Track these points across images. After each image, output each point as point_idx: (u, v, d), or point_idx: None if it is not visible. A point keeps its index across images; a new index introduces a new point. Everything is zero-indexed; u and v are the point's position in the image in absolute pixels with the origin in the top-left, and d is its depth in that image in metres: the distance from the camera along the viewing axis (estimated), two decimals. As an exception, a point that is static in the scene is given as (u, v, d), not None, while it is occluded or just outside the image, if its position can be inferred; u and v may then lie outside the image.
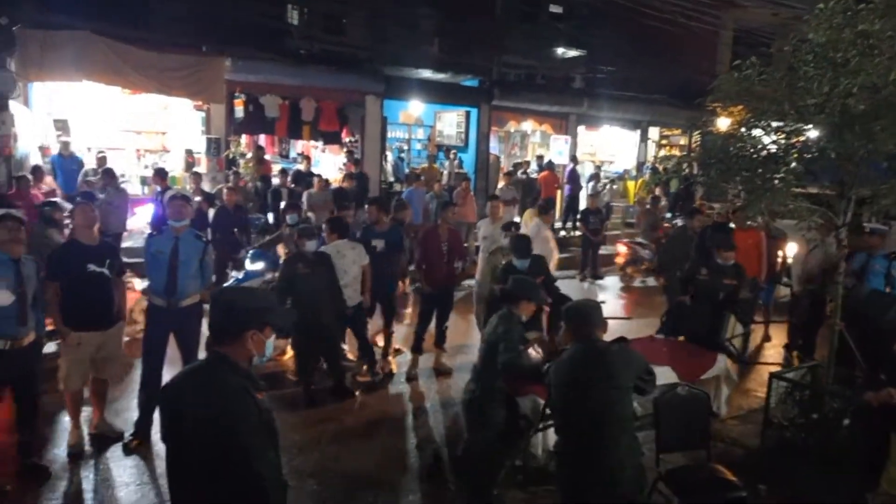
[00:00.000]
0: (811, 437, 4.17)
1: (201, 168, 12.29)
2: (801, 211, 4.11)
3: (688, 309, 6.32)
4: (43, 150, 11.21)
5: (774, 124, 4.28)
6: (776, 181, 3.78)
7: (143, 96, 12.01)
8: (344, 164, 14.09)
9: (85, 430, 5.44)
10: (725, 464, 5.24)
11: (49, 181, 10.14)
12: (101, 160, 10.53)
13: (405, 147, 17.31)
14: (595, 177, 16.97)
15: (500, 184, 14.30)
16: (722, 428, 5.91)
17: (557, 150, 17.94)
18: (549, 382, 3.48)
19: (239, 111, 12.81)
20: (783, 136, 4.16)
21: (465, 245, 13.16)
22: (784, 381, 4.52)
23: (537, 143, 19.13)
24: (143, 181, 12.20)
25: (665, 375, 5.79)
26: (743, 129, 4.27)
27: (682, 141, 20.25)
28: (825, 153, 3.97)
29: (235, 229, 9.52)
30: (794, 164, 3.78)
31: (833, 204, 4.24)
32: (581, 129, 18.10)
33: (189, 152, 12.62)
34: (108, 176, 9.72)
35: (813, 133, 4.09)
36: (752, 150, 3.90)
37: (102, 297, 5.15)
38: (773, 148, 3.98)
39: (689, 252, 7.65)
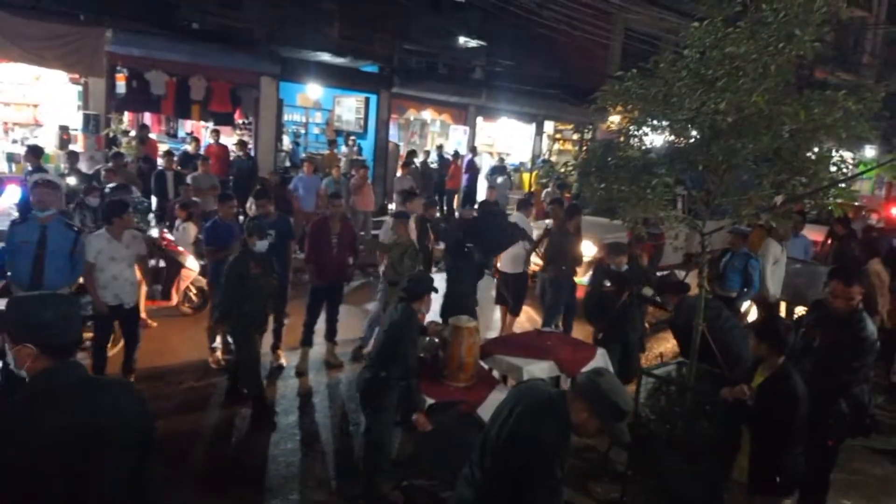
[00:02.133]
0: (675, 430, 4.46)
1: (78, 146, 11.47)
2: (671, 219, 4.37)
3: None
4: None
5: (649, 136, 4.52)
6: (648, 191, 3.99)
7: (13, 65, 11.04)
8: (234, 147, 13.55)
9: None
10: (596, 454, 5.65)
11: None
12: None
13: (302, 131, 16.92)
14: (501, 169, 17.16)
15: (399, 173, 14.28)
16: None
17: (456, 140, 18.13)
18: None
19: (121, 86, 12.03)
20: (657, 145, 4.40)
21: (362, 233, 13.13)
22: (652, 377, 4.81)
23: (437, 132, 19.25)
24: (10, 157, 11.24)
25: (548, 369, 6.06)
26: (621, 139, 4.47)
27: (575, 136, 21.00)
28: (694, 164, 4.24)
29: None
30: (664, 174, 4.00)
31: (699, 212, 4.53)
32: (479, 120, 18.36)
33: (64, 129, 11.73)
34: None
35: (682, 144, 4.35)
36: (627, 161, 4.09)
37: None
38: (648, 157, 4.19)
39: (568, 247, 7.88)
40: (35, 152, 9.42)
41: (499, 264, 8.32)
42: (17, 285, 5.27)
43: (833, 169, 4.21)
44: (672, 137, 4.40)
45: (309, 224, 7.49)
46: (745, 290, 7.52)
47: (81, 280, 5.69)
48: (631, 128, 4.66)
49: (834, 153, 4.29)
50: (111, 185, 8.99)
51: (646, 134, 4.56)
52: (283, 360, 7.11)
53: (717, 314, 5.19)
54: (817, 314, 4.70)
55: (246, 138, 14.37)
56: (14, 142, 11.88)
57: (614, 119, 4.99)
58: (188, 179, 10.41)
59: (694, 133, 4.26)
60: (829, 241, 10.46)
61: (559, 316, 8.00)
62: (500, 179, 16.18)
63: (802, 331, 4.61)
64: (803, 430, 3.81)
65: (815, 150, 4.19)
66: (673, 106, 4.21)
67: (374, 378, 4.56)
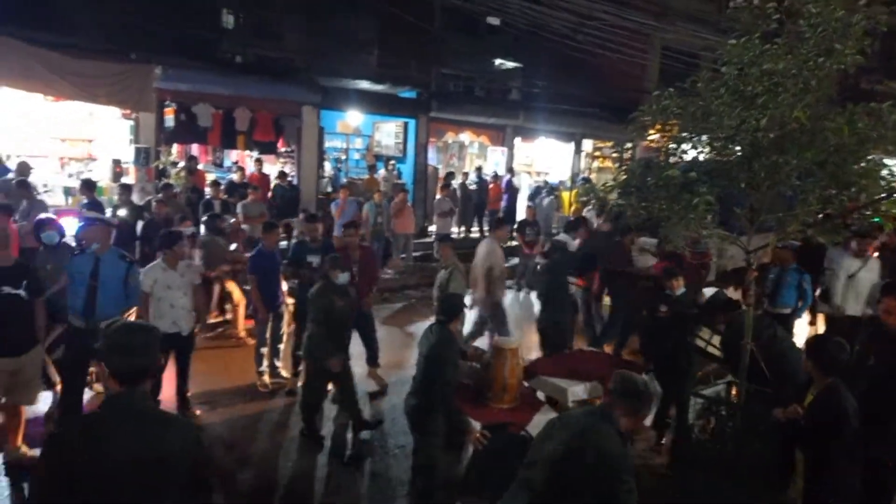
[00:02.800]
0: (725, 451, 4.36)
1: (129, 178, 11.90)
2: (714, 237, 4.32)
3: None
4: (-42, 158, 10.67)
5: (688, 154, 4.50)
6: (690, 213, 3.96)
7: (68, 103, 11.56)
8: (275, 178, 13.88)
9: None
10: (646, 478, 5.55)
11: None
12: (23, 167, 10.02)
13: (343, 157, 17.22)
14: (548, 189, 17.08)
15: (438, 195, 14.39)
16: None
17: (495, 161, 18.21)
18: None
19: (170, 120, 12.47)
20: (697, 162, 4.38)
21: (403, 257, 13.25)
22: (701, 397, 4.72)
23: (475, 153, 19.37)
24: (67, 191, 11.71)
25: (592, 390, 6.00)
26: (661, 158, 4.45)
27: (614, 154, 20.84)
28: (736, 182, 4.19)
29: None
30: (705, 193, 3.96)
31: (745, 230, 4.47)
32: (517, 140, 18.42)
33: (117, 162, 12.18)
34: (22, 187, 9.26)
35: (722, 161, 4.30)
36: (667, 180, 4.07)
37: (16, 321, 4.95)
38: (688, 176, 4.16)
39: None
40: (89, 186, 9.80)
41: None
42: (73, 314, 5.49)
43: (882, 182, 4.11)
44: (712, 155, 4.36)
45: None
46: (800, 305, 7.35)
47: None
48: (670, 146, 4.65)
49: (883, 165, 4.19)
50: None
51: (685, 152, 4.53)
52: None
53: (771, 333, 5.07)
54: (871, 331, 4.57)
55: (288, 167, 14.69)
56: (70, 176, 12.37)
57: (654, 136, 4.97)
58: (238, 207, 10.69)
59: (736, 150, 4.21)
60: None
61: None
62: (546, 200, 16.14)
63: (857, 349, 4.48)
64: (856, 449, 3.69)
65: (863, 164, 4.09)
66: (712, 124, 4.18)
67: (420, 402, 4.59)
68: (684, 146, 4.57)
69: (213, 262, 8.51)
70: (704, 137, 4.41)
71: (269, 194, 11.51)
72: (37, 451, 5.34)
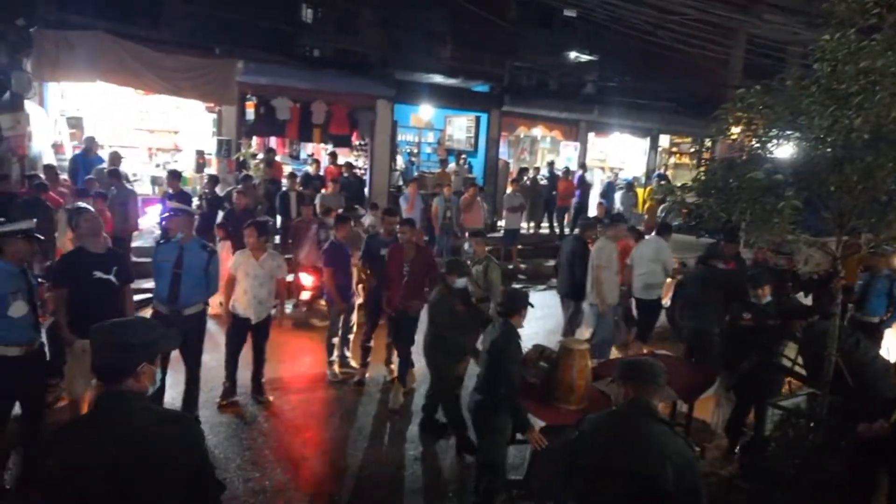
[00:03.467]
0: (802, 466, 4.18)
1: (212, 169, 12.39)
2: (800, 242, 4.13)
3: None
4: (56, 147, 11.35)
5: (773, 154, 4.31)
6: (775, 216, 3.79)
7: (156, 96, 12.12)
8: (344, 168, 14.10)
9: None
10: (717, 486, 5.39)
11: (64, 181, 10.22)
12: (114, 157, 10.58)
13: (415, 151, 17.37)
14: (626, 185, 16.75)
15: (508, 189, 14.32)
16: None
17: (567, 156, 17.96)
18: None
19: (250, 113, 12.91)
20: (784, 165, 4.18)
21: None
22: (779, 409, 4.54)
23: (547, 148, 19.17)
24: (154, 181, 12.29)
25: (663, 394, 5.86)
26: (743, 158, 4.29)
27: (693, 150, 20.22)
28: (825, 185, 3.99)
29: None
30: (792, 196, 3.79)
31: (831, 233, 4.26)
32: (591, 135, 18.10)
33: (200, 153, 12.72)
34: (113, 177, 9.78)
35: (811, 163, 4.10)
36: (751, 182, 3.91)
37: (107, 305, 5.20)
38: (773, 178, 3.99)
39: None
40: (175, 176, 10.27)
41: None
42: (157, 301, 5.76)
43: None
44: (799, 156, 4.15)
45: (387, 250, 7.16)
46: (890, 314, 6.97)
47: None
48: (754, 145, 4.46)
49: None
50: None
51: (770, 153, 4.34)
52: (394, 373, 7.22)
53: (855, 343, 4.81)
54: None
55: (361, 160, 14.93)
56: (157, 166, 13.00)
57: (736, 133, 4.78)
58: (318, 199, 10.97)
59: (826, 151, 4.00)
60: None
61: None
62: (618, 194, 15.83)
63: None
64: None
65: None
66: (801, 123, 3.99)
67: (484, 398, 4.59)
68: (770, 146, 4.37)
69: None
70: (792, 141, 4.21)
71: (330, 189, 11.69)
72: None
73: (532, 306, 4.90)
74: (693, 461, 2.83)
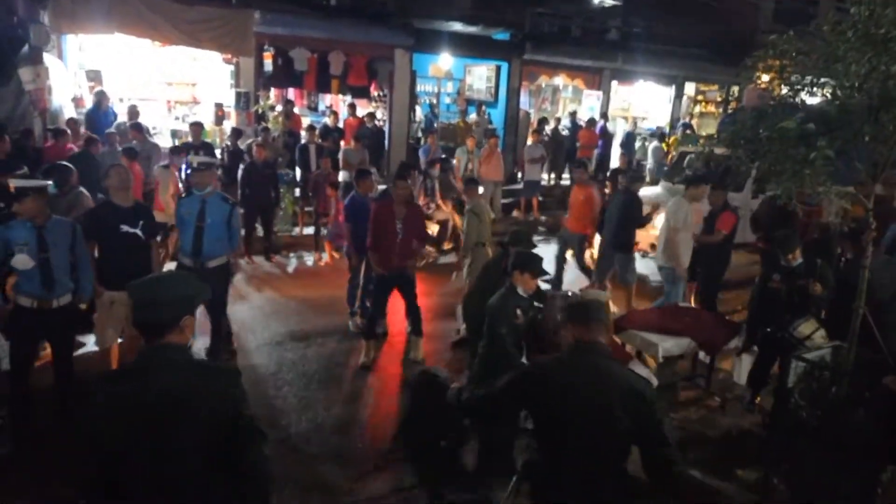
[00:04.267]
0: (827, 418, 4.18)
1: (231, 122, 12.35)
2: (831, 193, 4.03)
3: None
4: (76, 101, 11.36)
5: (808, 101, 4.17)
6: (806, 168, 3.69)
7: (173, 48, 12.03)
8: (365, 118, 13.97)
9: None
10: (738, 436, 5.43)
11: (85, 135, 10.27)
12: (133, 111, 10.60)
13: (434, 101, 17.13)
14: (655, 134, 16.36)
15: (529, 141, 14.12)
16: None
17: (589, 105, 17.62)
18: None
19: (268, 64, 12.76)
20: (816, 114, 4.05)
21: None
22: (804, 361, 4.51)
23: (569, 98, 18.79)
24: (174, 133, 12.29)
25: (685, 346, 5.86)
26: (771, 105, 4.15)
27: (719, 97, 19.72)
28: (860, 135, 3.86)
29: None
30: (825, 146, 3.67)
31: (864, 183, 4.16)
32: (614, 84, 17.69)
33: (219, 106, 12.66)
34: (137, 130, 9.79)
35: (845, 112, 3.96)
36: (782, 132, 3.79)
37: (135, 258, 5.29)
38: (805, 128, 3.86)
39: None
40: (198, 127, 10.27)
41: None
42: (182, 254, 5.82)
43: None
44: (834, 105, 4.01)
45: (372, 208, 6.85)
46: None
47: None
48: (785, 93, 4.33)
49: None
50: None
51: (803, 101, 4.21)
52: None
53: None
54: None
55: (380, 112, 14.77)
56: (176, 119, 12.98)
57: (765, 80, 4.62)
58: (340, 153, 10.94)
59: (862, 99, 3.86)
60: None
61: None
62: (652, 146, 15.56)
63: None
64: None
65: None
66: (836, 70, 3.85)
67: (482, 354, 4.50)
68: (802, 94, 4.23)
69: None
70: (827, 89, 4.06)
71: (354, 145, 11.60)
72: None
73: (546, 273, 4.76)
74: (648, 395, 2.78)
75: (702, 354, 6.20)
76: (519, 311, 4.49)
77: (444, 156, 11.47)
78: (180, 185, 8.62)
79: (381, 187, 9.66)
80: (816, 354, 4.67)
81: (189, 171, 6.03)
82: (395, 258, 6.46)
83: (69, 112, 10.82)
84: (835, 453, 3.98)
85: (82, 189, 6.40)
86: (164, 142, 11.98)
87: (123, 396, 2.30)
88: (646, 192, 10.97)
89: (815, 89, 4.15)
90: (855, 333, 4.32)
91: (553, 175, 15.81)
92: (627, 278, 7.99)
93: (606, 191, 9.43)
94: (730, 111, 16.88)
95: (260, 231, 9.91)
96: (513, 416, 3.48)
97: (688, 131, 16.96)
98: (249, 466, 2.39)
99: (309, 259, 10.03)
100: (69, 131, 9.35)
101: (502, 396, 3.00)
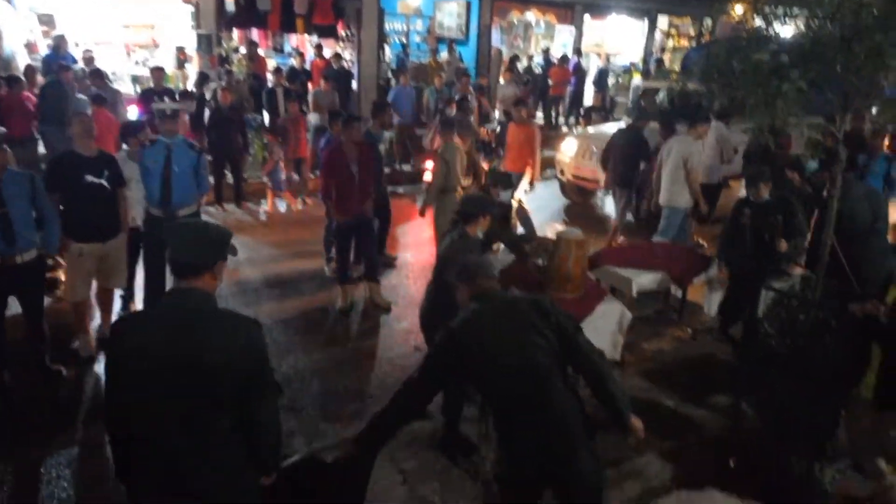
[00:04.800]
0: (796, 347, 4.30)
1: (193, 65, 11.94)
2: (802, 126, 4.04)
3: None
4: (30, 47, 10.87)
5: (782, 34, 4.13)
6: (779, 98, 3.67)
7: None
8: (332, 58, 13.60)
9: (94, 336, 5.63)
10: (710, 365, 5.59)
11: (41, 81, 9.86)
12: (88, 59, 10.18)
13: (404, 40, 16.71)
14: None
15: (501, 80, 13.92)
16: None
17: (562, 42, 17.36)
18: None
19: (229, 4, 12.28)
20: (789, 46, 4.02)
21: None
22: (773, 290, 4.61)
23: (541, 34, 18.47)
24: (135, 79, 11.88)
25: (658, 279, 5.96)
26: (747, 38, 4.11)
27: (692, 31, 19.53)
28: (832, 65, 3.85)
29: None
30: (797, 78, 3.66)
31: (834, 116, 4.16)
32: (587, 17, 17.40)
33: (180, 49, 12.21)
34: (97, 77, 9.42)
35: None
36: (755, 65, 3.76)
37: (101, 208, 5.18)
38: (778, 60, 3.83)
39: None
40: (160, 72, 9.91)
41: None
42: (150, 204, 5.69)
43: None
44: (807, 36, 3.98)
45: (322, 154, 6.67)
46: (886, 195, 6.95)
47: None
48: (758, 24, 4.27)
49: None
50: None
51: (777, 34, 4.16)
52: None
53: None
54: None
55: (348, 52, 14.38)
56: (136, 63, 12.52)
57: (738, 10, 4.55)
58: (310, 96, 10.67)
59: (835, 30, 3.83)
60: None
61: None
62: (634, 82, 15.38)
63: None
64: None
65: None
66: (808, 1, 3.80)
67: (427, 304, 4.42)
68: (776, 26, 4.18)
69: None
70: (800, 20, 4.02)
71: (324, 86, 11.30)
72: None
73: (494, 212, 4.64)
74: (551, 306, 2.89)
75: (674, 288, 6.32)
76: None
77: (461, 95, 11.11)
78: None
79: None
80: (786, 284, 4.78)
81: (158, 122, 5.80)
82: (354, 203, 6.33)
83: (22, 59, 10.35)
84: (803, 379, 4.12)
85: None
86: (125, 88, 11.59)
87: (140, 336, 2.30)
88: (606, 128, 10.92)
89: (788, 20, 4.11)
90: (824, 263, 4.41)
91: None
92: (625, 216, 8.11)
93: (588, 128, 9.43)
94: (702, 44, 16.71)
95: (230, 178, 9.73)
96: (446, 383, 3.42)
97: (660, 68, 16.82)
98: (261, 420, 2.40)
99: (281, 205, 9.91)
100: (24, 79, 8.96)
101: (432, 373, 2.97)
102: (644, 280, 5.86)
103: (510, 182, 5.57)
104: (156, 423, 2.30)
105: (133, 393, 2.30)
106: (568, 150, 10.37)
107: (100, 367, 5.30)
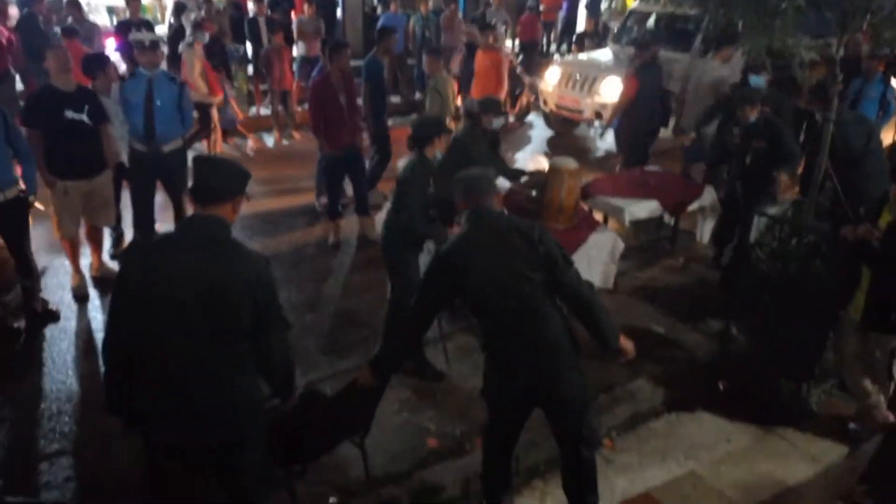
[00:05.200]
0: (787, 270, 4.33)
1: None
2: (800, 46, 3.94)
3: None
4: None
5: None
6: (777, 18, 3.56)
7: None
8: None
9: (88, 274, 5.61)
10: (702, 292, 5.65)
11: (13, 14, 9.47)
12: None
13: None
14: None
15: (492, 4, 13.47)
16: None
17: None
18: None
19: (206, -72, 11.68)
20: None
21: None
22: (765, 216, 4.61)
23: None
24: (111, 10, 11.45)
25: (651, 208, 5.94)
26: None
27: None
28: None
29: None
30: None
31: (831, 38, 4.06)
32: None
33: (157, -24, 11.73)
34: (75, 7, 9.05)
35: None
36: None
37: (84, 145, 5.06)
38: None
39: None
40: (136, 3, 9.52)
41: None
42: (134, 140, 5.55)
43: None
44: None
45: (310, 86, 6.47)
46: (881, 119, 6.89)
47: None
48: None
49: None
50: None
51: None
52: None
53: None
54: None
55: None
56: (111, -7, 12.03)
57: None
58: (294, 23, 10.32)
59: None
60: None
61: None
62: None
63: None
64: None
65: None
66: None
67: (388, 230, 4.37)
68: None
69: None
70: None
71: (313, 7, 10.87)
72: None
73: (449, 132, 4.54)
74: (532, 227, 2.88)
75: (667, 216, 6.32)
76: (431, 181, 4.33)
77: (493, 21, 10.70)
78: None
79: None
80: (778, 209, 4.77)
81: (137, 54, 5.59)
82: (344, 135, 6.20)
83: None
84: (792, 303, 4.16)
85: None
86: (101, 20, 11.19)
87: (164, 266, 2.33)
88: (594, 55, 10.70)
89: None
90: (817, 187, 4.39)
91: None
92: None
93: (574, 56, 9.20)
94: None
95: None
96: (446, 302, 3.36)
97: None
98: (272, 352, 2.48)
99: (269, 139, 9.74)
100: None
101: (427, 301, 2.98)
102: (637, 209, 5.85)
103: (500, 109, 5.45)
104: (171, 350, 2.33)
105: (151, 317, 2.32)
106: (551, 78, 10.05)
107: (95, 307, 5.32)
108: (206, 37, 8.29)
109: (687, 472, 3.66)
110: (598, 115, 9.18)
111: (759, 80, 6.64)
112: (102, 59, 6.05)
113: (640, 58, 7.39)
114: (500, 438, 3.12)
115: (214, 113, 8.47)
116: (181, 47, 8.35)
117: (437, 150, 4.35)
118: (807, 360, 4.20)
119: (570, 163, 5.27)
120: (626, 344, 2.97)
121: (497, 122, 5.38)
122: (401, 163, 4.61)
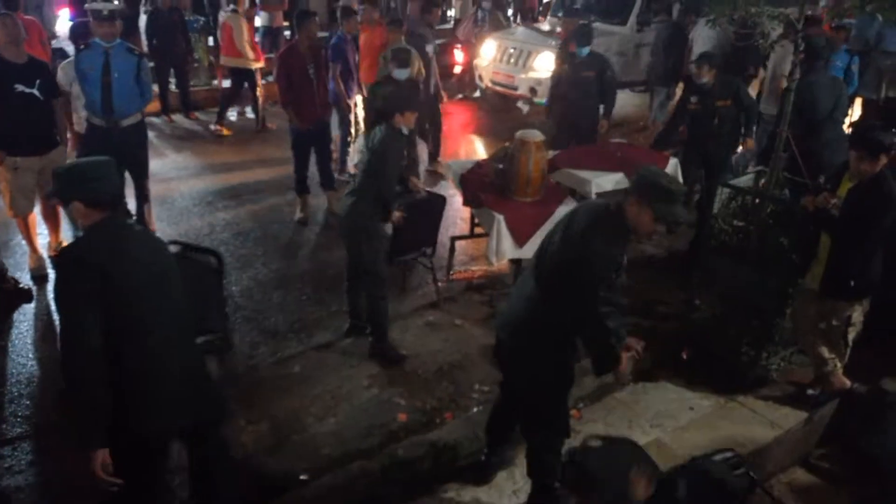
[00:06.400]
0: (748, 240, 4.40)
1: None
2: (764, 15, 3.95)
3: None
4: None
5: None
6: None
7: None
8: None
9: (45, 253, 5.46)
10: (667, 263, 5.73)
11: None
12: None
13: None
14: None
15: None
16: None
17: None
18: None
19: None
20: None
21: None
22: (728, 187, 4.66)
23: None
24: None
25: (616, 180, 5.96)
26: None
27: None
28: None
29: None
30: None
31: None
32: None
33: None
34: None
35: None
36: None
37: (34, 120, 4.89)
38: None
39: None
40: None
41: None
42: (91, 114, 5.37)
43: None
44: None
45: (276, 55, 6.37)
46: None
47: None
48: None
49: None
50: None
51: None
52: None
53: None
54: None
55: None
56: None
57: None
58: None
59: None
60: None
61: None
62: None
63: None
64: (888, 236, 3.69)
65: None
66: None
67: (357, 198, 4.31)
68: None
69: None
70: None
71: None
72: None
73: (417, 110, 4.46)
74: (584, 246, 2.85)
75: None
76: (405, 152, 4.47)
77: None
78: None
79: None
80: (741, 180, 4.82)
81: (94, 24, 5.36)
82: (314, 109, 6.12)
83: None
84: (752, 270, 4.24)
85: None
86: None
87: (136, 255, 2.51)
88: (529, 29, 10.36)
89: None
90: (779, 156, 4.44)
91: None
92: (658, 115, 8.16)
93: (517, 30, 9.06)
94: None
95: (175, 86, 9.26)
96: None
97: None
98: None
99: (232, 115, 9.52)
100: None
101: None
102: (603, 181, 5.86)
103: (407, 59, 5.59)
104: (160, 335, 2.51)
105: (144, 302, 2.46)
106: (486, 53, 9.68)
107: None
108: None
109: (652, 440, 3.74)
110: (534, 92, 8.89)
111: None
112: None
113: (565, 28, 7.35)
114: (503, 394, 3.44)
115: (258, 78, 8.61)
116: (222, 15, 8.12)
117: (404, 124, 4.29)
118: (766, 326, 4.28)
119: (536, 135, 5.25)
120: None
121: (400, 73, 5.58)
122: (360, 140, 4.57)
